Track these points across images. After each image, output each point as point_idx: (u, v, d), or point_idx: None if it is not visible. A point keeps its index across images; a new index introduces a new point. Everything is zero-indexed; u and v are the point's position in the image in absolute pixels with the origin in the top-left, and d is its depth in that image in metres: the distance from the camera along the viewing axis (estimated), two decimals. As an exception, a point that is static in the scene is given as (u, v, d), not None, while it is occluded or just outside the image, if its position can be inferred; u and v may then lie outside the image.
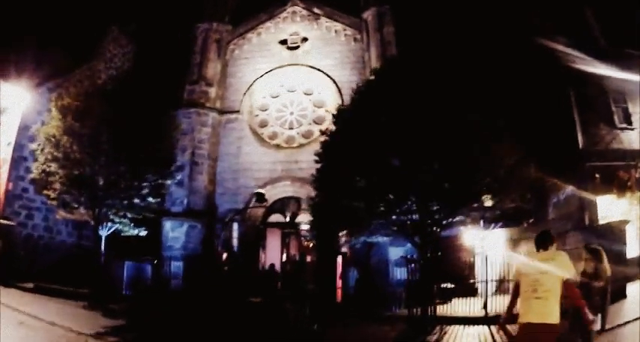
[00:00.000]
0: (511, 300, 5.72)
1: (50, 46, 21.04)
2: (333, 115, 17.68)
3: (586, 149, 16.63)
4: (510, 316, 5.63)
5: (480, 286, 18.71)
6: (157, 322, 14.49)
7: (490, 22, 18.39)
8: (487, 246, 18.01)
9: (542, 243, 5.68)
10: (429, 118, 13.53)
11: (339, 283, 19.90)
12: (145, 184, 18.70)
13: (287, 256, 24.61)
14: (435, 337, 12.33)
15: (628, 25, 16.79)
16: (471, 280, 19.63)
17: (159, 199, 19.61)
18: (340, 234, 22.09)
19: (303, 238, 25.63)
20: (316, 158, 23.01)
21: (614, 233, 13.58)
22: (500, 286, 18.03)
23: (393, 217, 15.18)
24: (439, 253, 18.72)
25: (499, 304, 15.20)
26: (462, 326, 13.72)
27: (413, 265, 15.20)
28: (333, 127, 17.42)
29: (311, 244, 25.52)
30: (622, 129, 16.77)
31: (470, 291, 18.59)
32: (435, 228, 15.34)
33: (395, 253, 20.39)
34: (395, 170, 13.99)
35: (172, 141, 20.41)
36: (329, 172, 16.29)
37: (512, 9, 19.27)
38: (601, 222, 15.42)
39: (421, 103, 13.67)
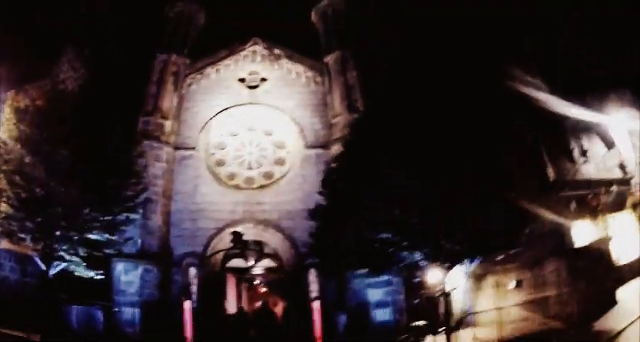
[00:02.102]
0: None
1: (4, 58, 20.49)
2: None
3: (557, 180, 19.15)
4: None
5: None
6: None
7: (461, 60, 20.45)
8: (451, 282, 19.41)
9: None
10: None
11: (319, 332, 20.07)
12: (106, 217, 18.34)
13: (250, 303, 24.60)
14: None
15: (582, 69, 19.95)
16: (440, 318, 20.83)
17: (115, 237, 19.21)
18: (311, 277, 22.72)
19: (265, 284, 25.80)
20: (280, 199, 24.31)
21: (598, 251, 15.71)
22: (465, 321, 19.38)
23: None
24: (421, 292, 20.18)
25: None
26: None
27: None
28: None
29: (266, 290, 25.78)
30: (581, 163, 19.62)
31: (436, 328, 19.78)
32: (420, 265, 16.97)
33: (374, 294, 21.32)
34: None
35: (135, 172, 20.34)
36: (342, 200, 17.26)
37: (483, 52, 21.70)
38: (577, 245, 17.54)
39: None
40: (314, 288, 22.53)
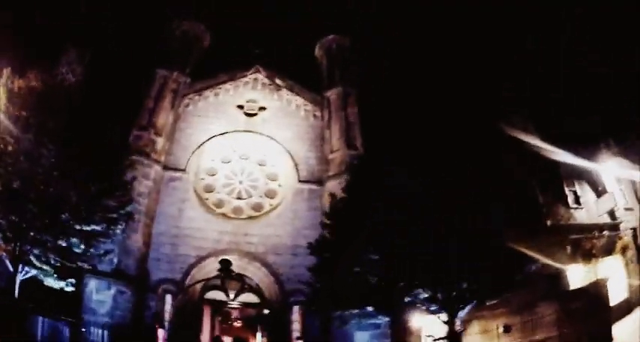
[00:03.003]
0: None
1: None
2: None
3: (553, 225, 19.19)
4: None
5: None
6: None
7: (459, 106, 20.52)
8: (435, 329, 18.72)
9: None
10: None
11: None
12: (84, 226, 17.24)
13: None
14: None
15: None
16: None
17: (92, 250, 18.10)
18: (294, 315, 21.79)
19: (240, 319, 24.66)
20: (268, 232, 23.65)
21: (594, 293, 15.62)
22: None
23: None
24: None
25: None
26: None
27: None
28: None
29: (241, 325, 24.68)
30: (574, 208, 19.78)
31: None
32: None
33: (361, 337, 20.52)
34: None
35: (122, 183, 19.41)
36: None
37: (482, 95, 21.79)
38: (572, 287, 17.36)
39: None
40: (296, 327, 21.61)
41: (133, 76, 25.44)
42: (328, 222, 18.94)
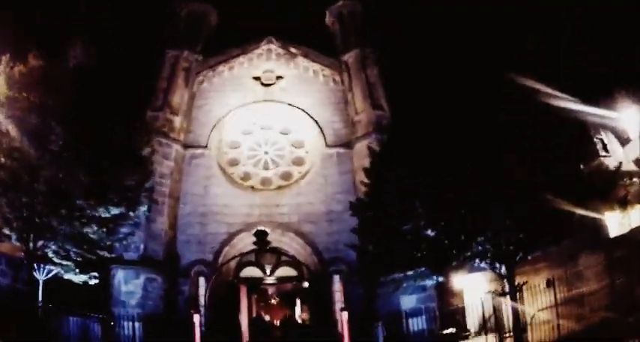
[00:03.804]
0: None
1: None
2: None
3: (589, 173, 17.56)
4: None
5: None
6: None
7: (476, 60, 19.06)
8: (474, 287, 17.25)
9: None
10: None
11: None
12: (108, 211, 15.40)
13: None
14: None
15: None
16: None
17: (113, 239, 16.32)
18: (335, 285, 19.77)
19: (277, 295, 22.94)
20: (299, 201, 21.80)
21: (636, 239, 14.35)
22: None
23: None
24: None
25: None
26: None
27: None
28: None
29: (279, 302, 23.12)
30: (604, 156, 18.53)
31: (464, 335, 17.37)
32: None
33: (408, 302, 18.39)
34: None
35: (139, 158, 17.61)
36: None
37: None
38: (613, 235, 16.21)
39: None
40: (338, 297, 19.55)
41: (142, 62, 23.79)
42: (367, 181, 17.06)
